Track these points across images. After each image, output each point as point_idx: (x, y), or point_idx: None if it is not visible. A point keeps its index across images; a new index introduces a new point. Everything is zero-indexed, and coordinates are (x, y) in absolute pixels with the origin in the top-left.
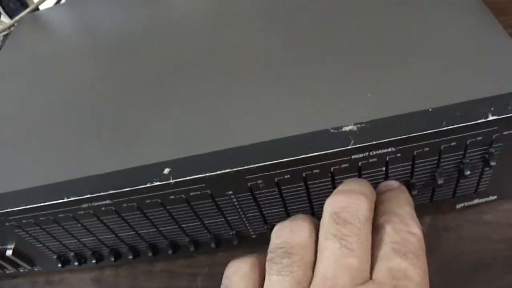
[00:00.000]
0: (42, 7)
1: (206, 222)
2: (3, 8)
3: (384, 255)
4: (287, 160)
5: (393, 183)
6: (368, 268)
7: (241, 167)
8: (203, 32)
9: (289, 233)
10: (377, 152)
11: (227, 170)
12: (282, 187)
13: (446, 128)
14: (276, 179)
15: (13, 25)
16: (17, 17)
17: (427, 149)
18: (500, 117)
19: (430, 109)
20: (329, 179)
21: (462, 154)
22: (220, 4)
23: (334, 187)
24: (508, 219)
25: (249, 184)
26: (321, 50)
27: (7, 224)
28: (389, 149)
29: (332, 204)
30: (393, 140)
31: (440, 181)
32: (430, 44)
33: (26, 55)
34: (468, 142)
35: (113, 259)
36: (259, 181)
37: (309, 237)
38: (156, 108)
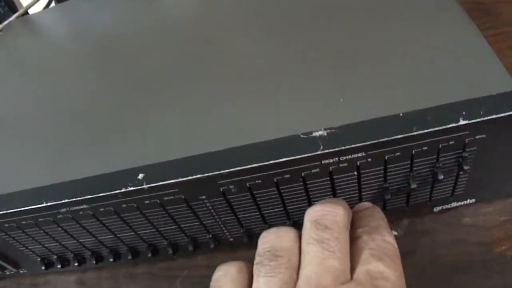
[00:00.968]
0: (31, 11)
1: (182, 225)
2: None
3: (362, 259)
4: (257, 166)
5: (367, 204)
6: (348, 269)
7: (212, 172)
8: (180, 41)
9: (275, 239)
10: (347, 157)
11: (198, 176)
12: (255, 192)
13: (416, 133)
14: (248, 184)
15: (1, 29)
16: (5, 22)
17: (399, 153)
18: (471, 121)
19: (401, 114)
20: (301, 183)
21: (435, 159)
22: (195, 13)
23: (306, 192)
24: (487, 222)
25: (221, 189)
26: (294, 56)
27: None
28: (359, 154)
29: (312, 213)
30: (362, 145)
31: (413, 185)
32: (402, 49)
33: (15, 59)
34: (440, 147)
35: (94, 262)
36: (231, 186)
37: (294, 241)
38: (132, 114)
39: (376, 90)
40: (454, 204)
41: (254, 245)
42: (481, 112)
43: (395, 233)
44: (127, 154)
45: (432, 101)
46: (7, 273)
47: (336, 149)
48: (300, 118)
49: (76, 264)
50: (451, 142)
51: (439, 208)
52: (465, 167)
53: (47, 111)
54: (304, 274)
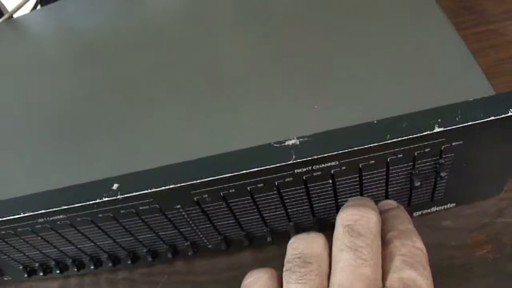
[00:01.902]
0: (18, 14)
1: (160, 233)
2: None
3: (395, 267)
4: (230, 176)
5: (392, 202)
6: (380, 277)
7: (185, 182)
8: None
9: (305, 245)
10: (320, 166)
11: (171, 186)
12: (229, 201)
13: (390, 141)
14: (221, 193)
15: None
16: None
17: (373, 161)
18: (447, 128)
19: (375, 121)
20: (275, 192)
21: (411, 166)
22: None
23: (281, 200)
24: (468, 225)
25: (195, 198)
26: (269, 62)
27: None
28: (332, 163)
29: (345, 217)
30: (335, 154)
31: (390, 192)
32: (378, 54)
33: (0, 62)
34: (416, 154)
35: (75, 269)
36: (205, 196)
37: (324, 248)
38: (108, 124)
39: (351, 97)
40: (434, 209)
41: (235, 252)
42: (457, 119)
43: None
44: (104, 163)
45: (407, 108)
46: None
47: (308, 158)
48: (275, 126)
49: (58, 271)
50: (427, 149)
51: (418, 212)
52: (442, 174)
53: (22, 119)
54: (336, 281)
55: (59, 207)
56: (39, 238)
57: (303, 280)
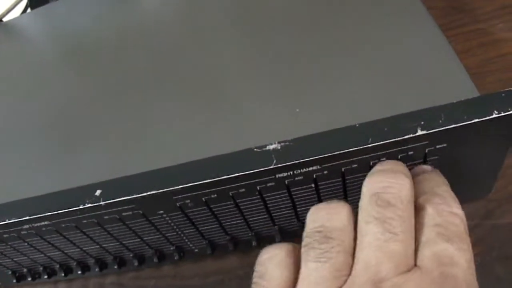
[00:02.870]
0: (7, 18)
1: (145, 238)
2: None
3: (428, 240)
4: (210, 181)
5: (427, 167)
6: (412, 253)
7: (166, 188)
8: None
9: (326, 216)
10: (301, 170)
11: (153, 192)
12: (212, 205)
13: (372, 144)
14: (203, 199)
15: None
16: None
17: (356, 165)
18: (430, 131)
19: (357, 125)
20: (258, 197)
21: None
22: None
23: (264, 204)
24: None
25: (178, 203)
26: (251, 65)
27: None
28: (314, 167)
29: (372, 185)
30: (316, 158)
31: None
32: (360, 56)
33: None
34: (399, 157)
35: (63, 274)
36: (187, 201)
37: (348, 220)
38: (91, 129)
39: (332, 100)
40: None
41: (221, 255)
42: (440, 121)
43: None
44: (88, 169)
45: (390, 111)
46: None
47: (289, 163)
48: (256, 130)
49: (46, 277)
50: (410, 153)
51: None
52: None
53: (8, 124)
54: (362, 258)
55: (44, 213)
56: (26, 244)
57: (324, 258)
